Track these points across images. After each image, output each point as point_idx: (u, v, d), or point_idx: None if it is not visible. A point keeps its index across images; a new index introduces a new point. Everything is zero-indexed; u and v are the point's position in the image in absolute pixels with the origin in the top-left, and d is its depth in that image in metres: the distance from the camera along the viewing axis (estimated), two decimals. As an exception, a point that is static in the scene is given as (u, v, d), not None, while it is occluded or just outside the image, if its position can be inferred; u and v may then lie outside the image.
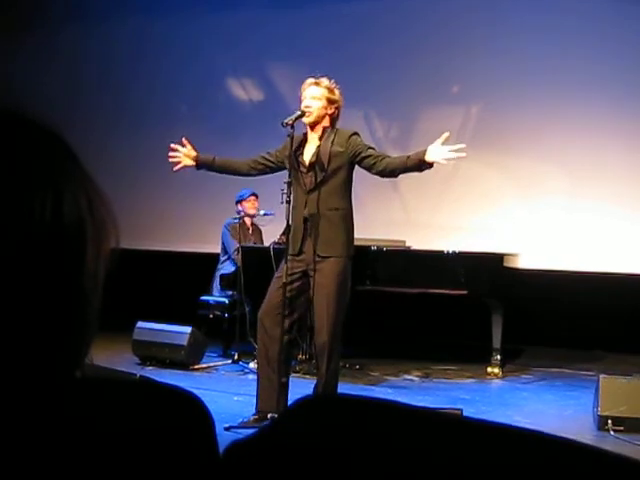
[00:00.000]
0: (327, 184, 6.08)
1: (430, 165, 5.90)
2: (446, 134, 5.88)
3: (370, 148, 6.15)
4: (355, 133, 6.20)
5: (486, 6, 10.79)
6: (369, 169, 6.14)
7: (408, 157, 6.00)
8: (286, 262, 5.99)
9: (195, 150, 6.41)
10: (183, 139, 6.38)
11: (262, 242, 9.77)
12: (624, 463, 0.93)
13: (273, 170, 6.41)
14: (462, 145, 5.88)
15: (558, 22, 10.42)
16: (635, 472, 0.92)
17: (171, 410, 1.04)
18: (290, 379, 6.42)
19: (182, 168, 6.43)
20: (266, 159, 6.37)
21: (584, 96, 10.31)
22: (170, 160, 6.38)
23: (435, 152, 5.84)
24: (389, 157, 6.13)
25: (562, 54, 10.34)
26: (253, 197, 9.63)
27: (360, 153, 6.08)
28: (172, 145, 6.38)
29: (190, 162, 6.38)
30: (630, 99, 10.12)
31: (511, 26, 10.63)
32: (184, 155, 6.36)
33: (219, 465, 1.03)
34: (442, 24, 10.94)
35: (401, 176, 6.21)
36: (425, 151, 5.87)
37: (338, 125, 6.28)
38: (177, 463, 1.00)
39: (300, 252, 6.08)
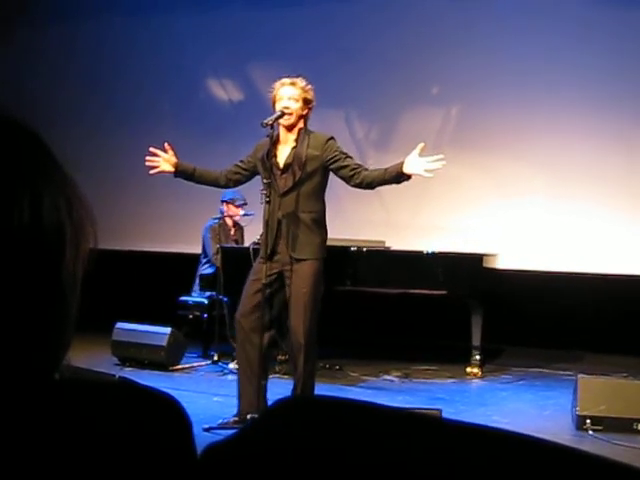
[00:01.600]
0: (302, 187, 6.08)
1: (408, 177, 5.93)
2: (421, 145, 5.89)
3: (348, 157, 6.15)
4: (331, 138, 6.19)
5: (465, 7, 10.80)
6: (346, 180, 6.15)
7: (386, 170, 6.02)
8: (265, 262, 5.99)
9: (176, 157, 6.35)
10: (165, 144, 6.32)
11: (243, 240, 9.76)
12: (603, 464, 0.94)
13: (248, 178, 6.43)
14: (440, 156, 5.88)
15: (538, 24, 10.45)
16: (614, 473, 0.93)
17: (148, 412, 1.03)
18: (270, 379, 6.42)
19: (159, 173, 6.37)
20: (239, 167, 6.38)
21: (564, 97, 10.34)
22: (147, 164, 6.32)
23: (413, 164, 5.85)
24: (366, 170, 6.13)
25: (541, 55, 10.37)
26: (242, 208, 9.52)
27: (337, 161, 6.07)
28: (152, 149, 6.33)
29: (169, 168, 6.31)
30: (610, 100, 10.16)
31: (491, 27, 10.65)
32: (164, 160, 6.29)
33: (196, 467, 1.03)
34: (422, 26, 10.95)
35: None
36: (402, 163, 5.88)
37: (316, 127, 6.29)
38: (154, 465, 1.00)
39: (273, 254, 6.07)
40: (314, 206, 6.12)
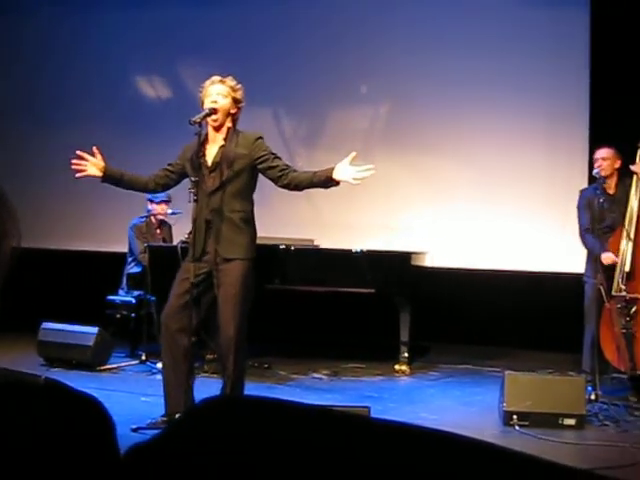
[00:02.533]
0: (229, 186, 6.04)
1: (337, 183, 5.93)
2: (353, 154, 5.89)
3: (276, 157, 6.13)
4: (260, 137, 6.16)
5: (393, 7, 10.85)
6: (274, 181, 6.13)
7: (315, 173, 6.01)
8: (193, 262, 5.95)
9: (105, 161, 6.25)
10: (94, 148, 6.22)
11: (171, 238, 9.70)
12: (527, 461, 0.95)
13: (176, 182, 6.38)
14: (370, 165, 5.89)
15: (466, 23, 10.55)
16: (533, 469, 0.94)
17: (70, 413, 1.02)
18: (199, 379, 6.39)
19: (85, 177, 6.25)
20: (168, 171, 6.31)
21: (490, 96, 10.45)
22: (74, 167, 6.20)
23: (343, 171, 5.86)
24: (295, 171, 6.12)
25: (469, 55, 10.46)
26: (164, 203, 9.49)
27: (265, 161, 6.05)
28: (79, 152, 6.23)
29: (96, 172, 6.17)
30: (535, 100, 10.29)
31: (419, 27, 10.73)
32: (91, 164, 6.19)
33: (119, 467, 1.02)
34: (350, 24, 10.97)
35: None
36: (333, 169, 5.89)
37: (245, 125, 6.27)
38: (76, 465, 0.99)
39: (202, 255, 6.04)
40: (242, 205, 6.09)
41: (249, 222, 6.15)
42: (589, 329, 7.66)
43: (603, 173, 7.64)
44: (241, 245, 6.06)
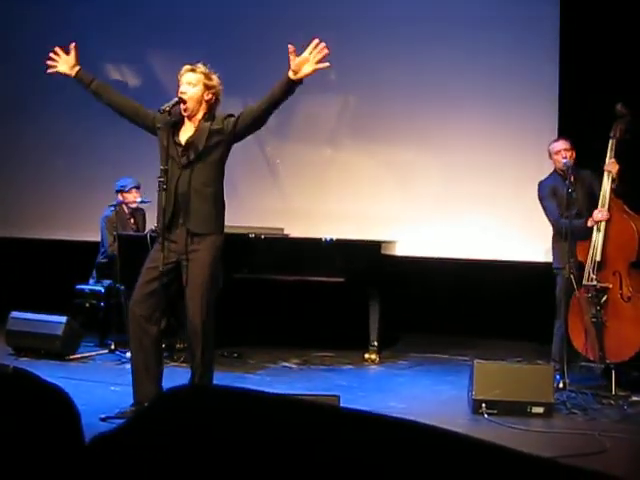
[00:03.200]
0: (201, 161, 6.01)
1: (300, 81, 5.87)
2: (290, 48, 5.90)
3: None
4: (230, 114, 6.15)
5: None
6: (248, 123, 6.07)
7: (272, 88, 5.97)
8: (162, 250, 5.91)
9: (78, 63, 6.20)
10: (72, 44, 6.16)
11: (145, 224, 9.63)
12: (493, 450, 0.95)
13: (139, 125, 6.27)
14: (316, 41, 5.83)
15: (436, 14, 10.56)
16: (503, 459, 0.94)
17: (36, 401, 1.02)
18: (168, 368, 6.38)
19: (56, 73, 6.21)
20: (146, 114, 6.22)
21: (459, 86, 10.47)
22: (47, 62, 6.15)
23: (299, 67, 5.83)
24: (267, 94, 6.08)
25: (439, 44, 10.48)
26: (135, 189, 9.46)
27: (237, 119, 6.03)
28: (56, 49, 6.16)
29: (67, 70, 6.18)
30: (503, 91, 10.33)
31: (389, 15, 10.71)
32: (62, 61, 6.16)
33: (84, 456, 1.02)
34: (319, 12, 10.95)
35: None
36: (287, 73, 5.88)
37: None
38: (41, 452, 0.99)
39: (170, 227, 5.99)
40: (213, 181, 6.06)
41: (219, 198, 6.12)
42: (559, 318, 7.70)
43: (566, 163, 7.70)
44: (211, 218, 6.04)
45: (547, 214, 7.89)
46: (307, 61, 5.80)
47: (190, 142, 6.02)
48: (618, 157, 7.58)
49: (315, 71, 5.79)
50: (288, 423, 0.98)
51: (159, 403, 1.06)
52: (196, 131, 6.04)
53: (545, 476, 0.89)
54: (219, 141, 6.04)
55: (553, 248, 8.00)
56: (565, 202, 7.48)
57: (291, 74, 5.84)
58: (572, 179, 7.59)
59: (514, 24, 10.32)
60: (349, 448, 0.94)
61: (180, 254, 6.01)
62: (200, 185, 6.02)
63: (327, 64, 5.84)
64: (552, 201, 7.74)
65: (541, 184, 7.98)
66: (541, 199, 7.92)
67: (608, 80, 9.48)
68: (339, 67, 10.98)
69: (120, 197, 9.49)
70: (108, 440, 1.00)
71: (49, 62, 6.18)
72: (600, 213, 7.51)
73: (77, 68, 6.22)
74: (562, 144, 7.90)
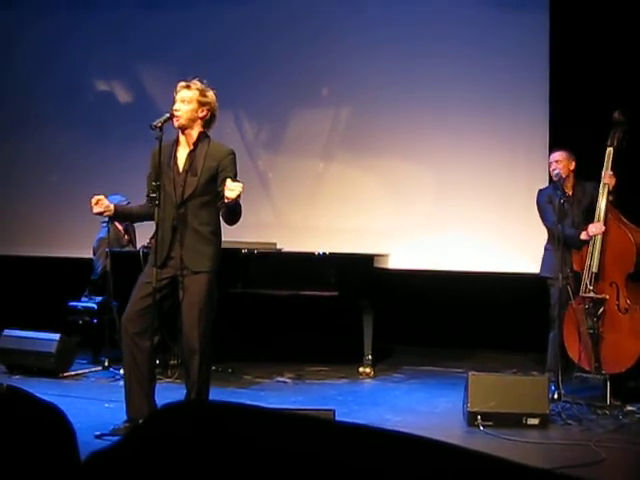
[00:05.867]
0: (198, 198, 6.01)
1: (234, 201, 5.78)
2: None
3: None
4: (233, 153, 6.14)
5: (355, 10, 10.87)
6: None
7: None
8: (155, 267, 5.89)
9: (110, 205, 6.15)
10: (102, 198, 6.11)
11: (135, 240, 9.60)
12: (489, 461, 0.95)
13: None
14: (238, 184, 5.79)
15: (426, 25, 10.59)
16: (499, 470, 0.94)
17: (30, 420, 1.01)
18: (162, 384, 6.36)
19: (98, 214, 6.18)
20: (154, 186, 6.16)
21: (453, 99, 10.49)
22: (94, 209, 6.08)
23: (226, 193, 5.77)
24: None
25: (431, 58, 10.51)
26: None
27: (225, 178, 6.00)
28: (99, 198, 6.07)
29: (108, 213, 6.15)
30: (497, 101, 10.34)
31: (380, 29, 10.73)
32: (104, 206, 6.05)
33: (80, 474, 1.02)
34: (311, 27, 10.97)
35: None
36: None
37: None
38: (37, 471, 0.98)
39: (165, 264, 6.00)
40: (210, 217, 6.05)
41: (216, 234, 6.13)
42: (554, 329, 7.69)
43: (558, 176, 7.72)
44: (208, 257, 6.04)
45: (543, 219, 7.90)
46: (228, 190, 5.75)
47: (186, 173, 5.99)
48: (615, 165, 7.57)
49: (238, 196, 5.73)
50: (285, 437, 0.97)
51: (155, 419, 1.05)
52: (192, 162, 6.01)
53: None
54: (211, 179, 6.02)
55: (545, 257, 8.01)
56: (557, 212, 7.49)
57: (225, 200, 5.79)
58: (563, 191, 7.61)
59: (504, 33, 10.34)
60: (346, 461, 0.94)
61: (177, 269, 6.01)
62: (198, 224, 6.02)
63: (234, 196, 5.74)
64: (549, 208, 7.75)
65: (540, 192, 8.00)
66: (538, 204, 7.92)
67: (599, 91, 9.50)
68: (331, 81, 11.05)
69: (108, 214, 9.38)
70: (104, 457, 0.99)
71: (95, 208, 6.07)
72: (595, 227, 7.51)
73: (112, 208, 6.15)
74: (553, 156, 7.95)
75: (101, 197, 6.07)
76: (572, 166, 7.86)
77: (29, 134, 11.66)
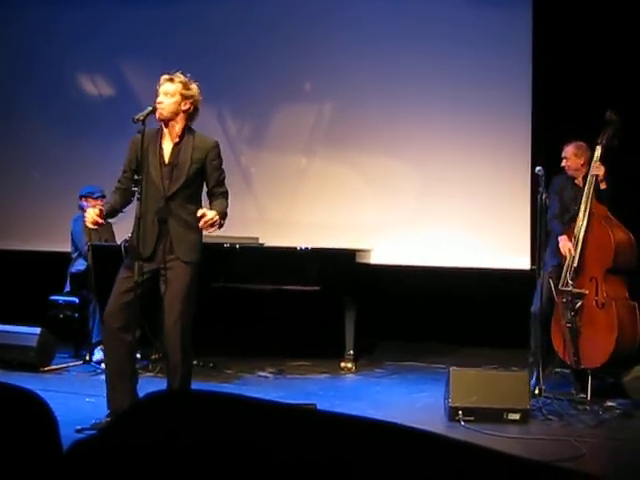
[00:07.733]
0: (186, 189, 6.02)
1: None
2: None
3: (221, 173, 6.19)
4: (218, 145, 6.17)
5: (338, 6, 10.88)
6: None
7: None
8: (135, 261, 5.88)
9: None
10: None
11: (113, 236, 9.51)
12: (472, 450, 0.95)
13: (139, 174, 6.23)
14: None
15: (409, 22, 10.60)
16: (481, 457, 0.94)
17: (11, 409, 1.01)
18: (144, 378, 6.35)
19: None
20: (127, 179, 6.18)
21: (436, 95, 10.51)
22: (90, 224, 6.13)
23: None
24: (217, 199, 6.17)
25: (414, 55, 10.52)
26: (101, 199, 9.20)
27: (213, 169, 6.09)
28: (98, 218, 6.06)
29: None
30: (479, 98, 10.36)
31: (363, 25, 10.73)
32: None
33: (62, 463, 1.01)
34: (294, 22, 10.97)
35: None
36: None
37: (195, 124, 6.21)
38: (19, 460, 0.98)
39: (152, 256, 5.99)
40: (196, 207, 6.06)
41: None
42: (534, 308, 7.69)
43: (567, 170, 7.78)
44: (193, 245, 6.05)
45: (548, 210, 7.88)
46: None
47: (172, 166, 6.00)
48: (605, 161, 7.57)
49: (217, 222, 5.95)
50: (268, 426, 0.97)
51: (139, 408, 1.05)
52: (178, 155, 6.02)
53: (529, 475, 0.89)
54: (198, 171, 6.05)
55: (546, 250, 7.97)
56: (564, 204, 7.57)
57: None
58: (572, 182, 7.70)
59: (487, 30, 10.36)
60: (329, 449, 0.94)
61: (160, 262, 6.00)
62: (186, 214, 6.02)
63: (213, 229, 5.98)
64: (557, 199, 7.77)
65: (552, 180, 7.92)
66: (547, 194, 7.81)
67: (581, 87, 9.54)
68: (314, 77, 11.04)
69: (85, 203, 9.27)
70: (88, 446, 0.99)
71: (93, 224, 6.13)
72: (563, 247, 7.57)
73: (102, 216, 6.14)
74: (563, 149, 7.94)
75: (99, 220, 6.06)
76: (582, 160, 7.82)
77: (10, 130, 11.61)
